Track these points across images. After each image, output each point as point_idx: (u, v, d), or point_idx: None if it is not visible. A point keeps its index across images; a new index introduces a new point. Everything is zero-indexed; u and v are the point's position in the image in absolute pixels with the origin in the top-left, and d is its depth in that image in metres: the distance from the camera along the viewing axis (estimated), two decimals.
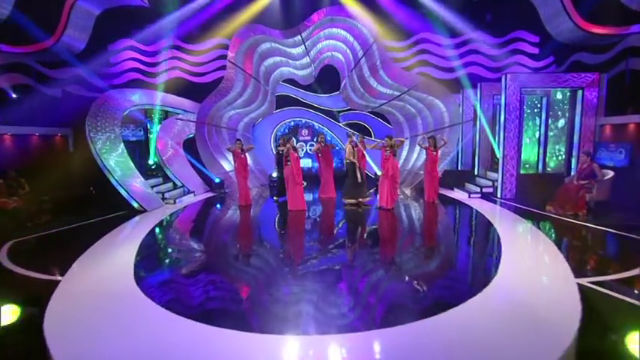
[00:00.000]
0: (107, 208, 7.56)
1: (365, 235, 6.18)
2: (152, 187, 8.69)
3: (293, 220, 7.08)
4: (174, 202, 8.60)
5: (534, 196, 8.50)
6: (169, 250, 5.43)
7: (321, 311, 3.27)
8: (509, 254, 4.68)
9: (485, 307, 3.29)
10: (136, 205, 7.73)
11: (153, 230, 6.24)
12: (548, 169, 9.57)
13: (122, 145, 8.44)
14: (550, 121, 9.37)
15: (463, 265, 4.66)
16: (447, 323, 3.02)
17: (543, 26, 11.48)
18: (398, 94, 10.61)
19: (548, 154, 9.67)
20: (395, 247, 5.36)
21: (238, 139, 8.42)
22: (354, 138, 8.23)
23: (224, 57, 10.38)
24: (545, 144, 9.70)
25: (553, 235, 5.66)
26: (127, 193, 7.67)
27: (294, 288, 3.80)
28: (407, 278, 4.02)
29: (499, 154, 9.23)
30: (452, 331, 2.90)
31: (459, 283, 3.95)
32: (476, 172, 10.31)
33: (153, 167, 9.90)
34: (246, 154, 8.50)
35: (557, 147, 9.48)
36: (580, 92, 8.43)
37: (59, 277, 4.01)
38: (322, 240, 5.74)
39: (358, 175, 8.05)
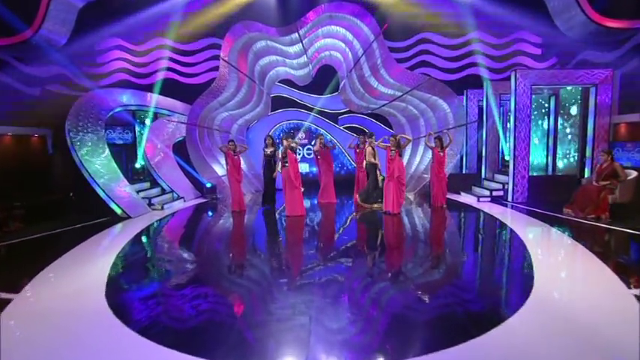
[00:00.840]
0: (87, 215, 6.90)
1: (373, 243, 5.58)
2: (138, 192, 8.04)
3: (291, 226, 6.47)
4: (162, 209, 7.94)
5: (546, 200, 8.02)
6: (151, 261, 4.78)
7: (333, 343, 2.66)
8: (541, 263, 4.11)
9: (531, 325, 2.71)
10: (119, 211, 7.07)
11: (134, 239, 5.59)
12: (558, 171, 9.11)
13: (106, 148, 7.81)
14: (560, 121, 8.95)
15: (493, 278, 4.03)
16: (492, 344, 2.43)
17: (545, 27, 11.30)
18: (400, 94, 10.13)
19: (557, 156, 9.22)
20: (409, 259, 4.73)
21: (231, 140, 7.83)
22: (371, 139, 7.77)
23: (218, 57, 9.86)
24: (555, 145, 9.25)
25: (583, 241, 5.08)
26: (110, 198, 7.01)
27: (294, 305, 3.18)
28: (427, 298, 3.40)
29: (508, 156, 8.76)
30: (500, 354, 2.31)
31: (493, 298, 3.37)
32: (483, 175, 9.80)
33: (140, 171, 9.23)
34: (240, 157, 7.90)
35: (567, 148, 9.03)
36: (593, 89, 8.00)
37: (11, 295, 3.36)
38: (323, 249, 5.13)
39: (379, 179, 7.62)
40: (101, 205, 7.10)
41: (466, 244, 5.48)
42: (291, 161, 6.91)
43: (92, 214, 6.92)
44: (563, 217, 6.56)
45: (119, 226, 6.47)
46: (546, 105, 9.39)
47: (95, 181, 6.99)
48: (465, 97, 10.45)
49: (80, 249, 4.98)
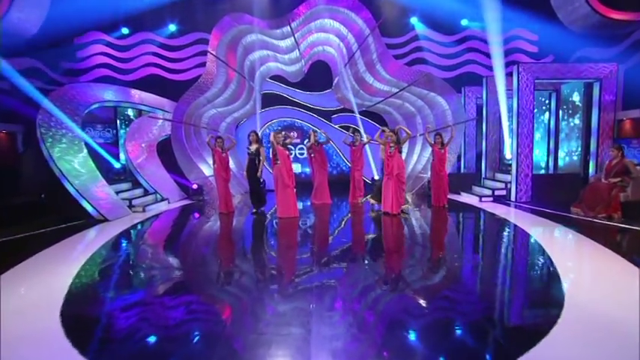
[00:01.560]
0: (60, 218, 6.30)
1: (372, 247, 5.10)
2: (118, 193, 7.44)
3: (283, 229, 5.96)
4: (143, 211, 7.36)
5: (549, 199, 7.67)
6: (122, 270, 4.20)
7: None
8: (565, 267, 3.68)
9: (575, 339, 2.26)
10: (94, 213, 6.47)
11: (107, 244, 5.01)
12: (559, 169, 8.81)
13: (83, 146, 7.20)
14: (560, 118, 8.66)
15: (519, 287, 3.49)
16: None
17: (542, 24, 11.08)
18: (396, 90, 9.73)
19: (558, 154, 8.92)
20: (417, 266, 4.25)
21: (219, 137, 7.30)
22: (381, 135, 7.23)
23: (206, 52, 9.34)
24: (557, 143, 8.94)
25: (603, 241, 4.65)
26: (85, 199, 6.41)
27: (286, 313, 2.69)
28: (449, 314, 2.93)
29: (510, 153, 8.41)
30: None
31: (524, 311, 2.92)
32: (483, 175, 9.44)
33: (121, 171, 8.62)
34: (228, 155, 7.37)
35: (569, 145, 8.73)
36: (597, 84, 7.70)
37: None
38: (318, 253, 4.63)
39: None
40: (75, 207, 6.51)
41: (478, 249, 4.97)
42: (283, 158, 6.42)
43: (65, 217, 6.32)
44: (573, 216, 6.19)
45: (93, 230, 5.88)
46: (547, 102, 9.10)
47: (69, 181, 6.39)
48: (462, 95, 10.12)
49: (44, 256, 4.39)
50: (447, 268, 3.89)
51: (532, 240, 4.88)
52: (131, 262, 4.39)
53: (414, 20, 11.00)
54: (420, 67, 10.58)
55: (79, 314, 2.88)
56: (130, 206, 7.32)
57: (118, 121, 9.92)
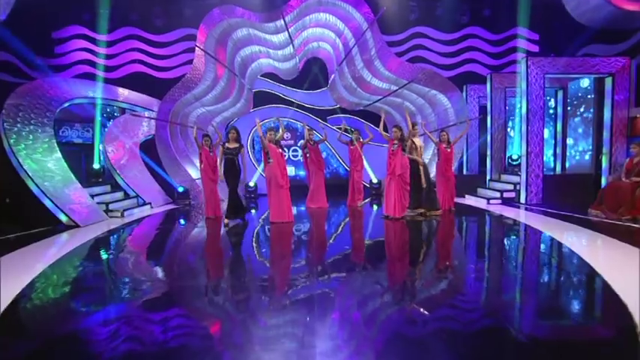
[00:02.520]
0: (24, 223, 5.59)
1: (375, 256, 4.51)
2: (93, 196, 6.75)
3: (276, 235, 5.34)
4: (122, 216, 6.67)
5: (560, 200, 7.19)
6: (82, 286, 3.50)
7: None
8: (611, 275, 3.13)
9: None
10: (64, 218, 5.77)
11: (70, 254, 4.33)
12: (567, 169, 8.36)
13: (55, 144, 6.52)
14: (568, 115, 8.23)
15: (572, 305, 2.84)
16: None
17: (543, 23, 10.75)
18: (396, 88, 9.22)
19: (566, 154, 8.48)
20: (435, 280, 3.64)
21: (206, 135, 6.66)
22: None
23: (194, 49, 8.74)
24: (564, 142, 8.50)
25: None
26: (52, 202, 5.71)
27: (279, 326, 2.07)
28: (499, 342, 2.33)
29: (517, 153, 7.94)
30: None
31: (591, 334, 2.34)
32: (488, 176, 8.93)
33: (99, 173, 7.91)
34: (217, 154, 6.72)
35: (578, 144, 8.28)
36: (609, 80, 7.27)
37: None
38: (314, 262, 4.02)
39: (423, 179, 6.16)
40: (44, 212, 5.81)
41: (507, 259, 4.17)
42: (276, 156, 5.81)
43: (30, 223, 5.61)
44: (593, 219, 5.68)
45: (58, 237, 5.18)
46: (552, 99, 8.68)
47: (34, 182, 5.70)
48: (464, 94, 9.66)
49: None
50: (475, 284, 3.30)
51: (564, 247, 4.31)
52: (95, 275, 3.71)
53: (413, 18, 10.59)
54: (420, 65, 10.13)
55: (17, 340, 2.23)
56: (107, 211, 6.63)
57: (100, 120, 9.24)
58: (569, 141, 8.48)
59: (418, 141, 6.24)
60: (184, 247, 4.96)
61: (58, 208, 5.73)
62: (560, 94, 8.52)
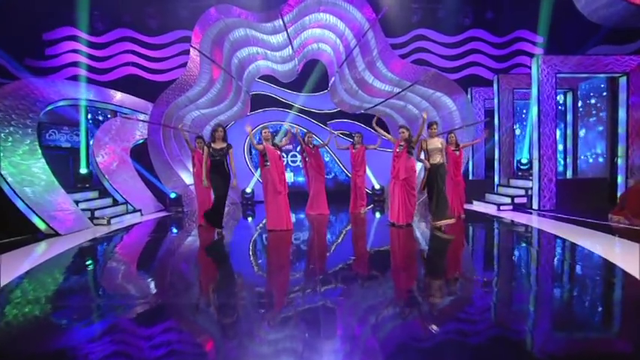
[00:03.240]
0: (3, 232, 5.15)
1: (380, 266, 4.07)
2: (78, 202, 6.30)
3: (273, 244, 4.90)
4: (108, 223, 6.23)
5: (574, 206, 6.79)
6: (47, 304, 3.06)
7: None
8: None
9: None
10: (42, 226, 5.33)
11: (41, 266, 3.87)
12: (579, 174, 7.97)
13: (37, 148, 6.10)
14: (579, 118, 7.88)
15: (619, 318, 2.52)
16: None
17: (547, 26, 10.50)
18: (399, 90, 8.87)
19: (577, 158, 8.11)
20: (453, 296, 3.21)
21: (199, 136, 6.27)
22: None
23: (190, 52, 8.39)
24: (575, 146, 8.13)
25: None
26: (30, 209, 5.28)
27: (277, 342, 1.64)
28: None
29: (526, 157, 7.56)
30: None
31: None
32: (496, 181, 8.53)
33: (86, 178, 7.46)
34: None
35: (589, 148, 7.91)
36: (624, 79, 6.93)
37: None
38: (315, 273, 3.58)
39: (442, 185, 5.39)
40: (22, 219, 5.36)
41: (531, 272, 3.69)
42: (274, 159, 5.40)
43: (8, 232, 5.17)
44: (616, 225, 5.27)
45: (33, 247, 4.73)
46: (561, 102, 8.34)
47: (11, 187, 5.26)
48: (469, 97, 9.32)
49: None
50: (504, 301, 2.86)
51: (596, 256, 3.87)
52: (61, 293, 3.27)
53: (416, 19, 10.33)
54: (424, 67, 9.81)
55: None
56: (92, 218, 6.18)
57: (90, 124, 8.86)
58: (581, 145, 8.11)
59: (438, 141, 5.45)
60: (173, 257, 4.51)
61: (36, 214, 5.28)
62: (569, 95, 8.18)
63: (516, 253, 4.49)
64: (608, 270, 3.39)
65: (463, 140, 7.29)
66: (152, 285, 3.38)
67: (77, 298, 3.04)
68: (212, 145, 5.18)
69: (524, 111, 10.23)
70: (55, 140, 8.01)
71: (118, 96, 8.77)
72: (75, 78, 9.48)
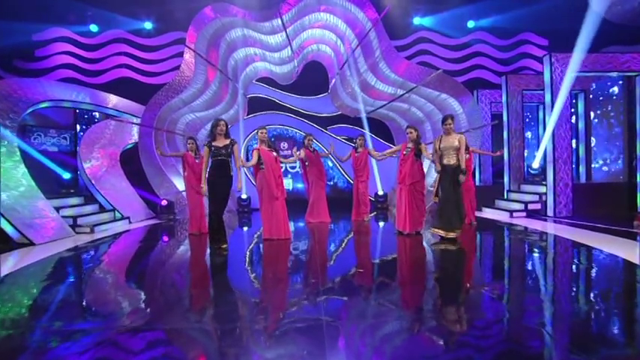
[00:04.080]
0: None
1: (388, 277, 3.61)
2: (58, 209, 5.83)
3: (270, 254, 4.44)
4: (91, 231, 5.76)
5: (590, 212, 6.36)
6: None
7: None
8: None
9: None
10: (15, 234, 4.86)
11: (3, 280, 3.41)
12: (592, 178, 7.55)
13: (15, 149, 5.67)
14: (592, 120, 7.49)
15: None
16: None
17: (552, 28, 10.19)
18: (402, 92, 8.50)
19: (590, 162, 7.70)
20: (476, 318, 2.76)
21: (191, 138, 5.84)
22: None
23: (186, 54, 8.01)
24: (588, 149, 7.73)
25: None
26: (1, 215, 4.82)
27: None
28: None
29: (537, 164, 7.15)
30: None
31: None
32: (506, 187, 8.09)
33: (70, 183, 7.00)
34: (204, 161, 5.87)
35: (603, 151, 7.51)
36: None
37: None
38: (315, 286, 3.11)
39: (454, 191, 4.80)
40: None
41: (578, 287, 3.20)
42: (270, 161, 4.96)
43: None
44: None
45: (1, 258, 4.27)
46: (572, 102, 7.96)
47: None
48: (475, 100, 8.95)
49: None
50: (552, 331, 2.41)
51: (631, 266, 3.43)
52: (18, 312, 2.80)
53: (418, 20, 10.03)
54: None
55: None
56: (74, 226, 5.72)
57: (78, 127, 8.47)
58: (595, 149, 7.71)
59: (455, 139, 4.66)
60: (160, 269, 4.05)
61: (8, 222, 4.81)
62: (581, 97, 7.80)
63: (546, 266, 4.03)
64: None
65: (472, 144, 6.89)
66: (130, 304, 2.92)
67: (33, 318, 2.58)
68: (213, 143, 4.38)
69: (529, 114, 9.87)
70: (40, 144, 7.59)
71: (110, 98, 8.41)
72: (66, 81, 9.11)
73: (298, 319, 2.38)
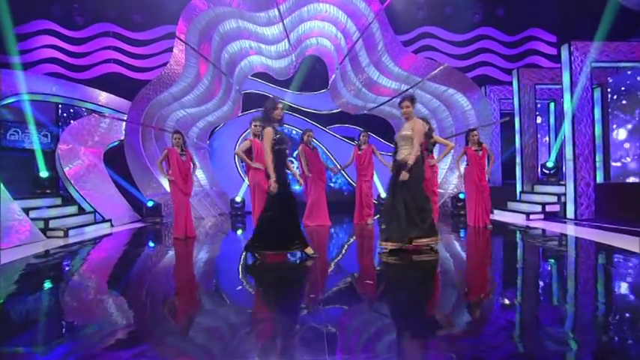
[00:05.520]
0: None
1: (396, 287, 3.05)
2: (28, 210, 5.26)
3: (265, 261, 3.88)
4: (65, 235, 5.18)
5: (613, 214, 5.82)
6: None
7: None
8: None
9: None
10: None
11: None
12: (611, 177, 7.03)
13: None
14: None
15: None
16: None
17: (560, 24, 9.78)
18: (407, 87, 8.00)
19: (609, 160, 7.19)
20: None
21: (177, 132, 5.28)
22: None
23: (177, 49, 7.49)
24: (606, 147, 7.23)
25: None
26: None
27: None
28: None
29: (551, 161, 6.63)
30: None
31: None
32: (519, 188, 7.56)
33: (47, 183, 6.42)
34: (191, 159, 5.33)
35: (622, 148, 7.01)
36: None
37: None
38: (315, 294, 2.55)
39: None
40: None
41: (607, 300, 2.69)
42: (262, 157, 4.40)
43: None
44: None
45: None
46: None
47: None
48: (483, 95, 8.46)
49: None
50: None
51: None
52: None
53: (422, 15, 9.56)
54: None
55: None
56: (46, 229, 5.14)
57: (60, 123, 7.92)
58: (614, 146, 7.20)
59: (410, 126, 3.67)
60: (142, 278, 3.48)
61: None
62: (597, 91, 7.31)
63: (580, 275, 3.48)
64: None
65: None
66: (90, 318, 2.35)
67: None
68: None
69: (538, 113, 9.39)
70: (16, 141, 7.03)
71: (96, 94, 7.88)
72: (51, 76, 8.57)
73: (296, 331, 1.85)
